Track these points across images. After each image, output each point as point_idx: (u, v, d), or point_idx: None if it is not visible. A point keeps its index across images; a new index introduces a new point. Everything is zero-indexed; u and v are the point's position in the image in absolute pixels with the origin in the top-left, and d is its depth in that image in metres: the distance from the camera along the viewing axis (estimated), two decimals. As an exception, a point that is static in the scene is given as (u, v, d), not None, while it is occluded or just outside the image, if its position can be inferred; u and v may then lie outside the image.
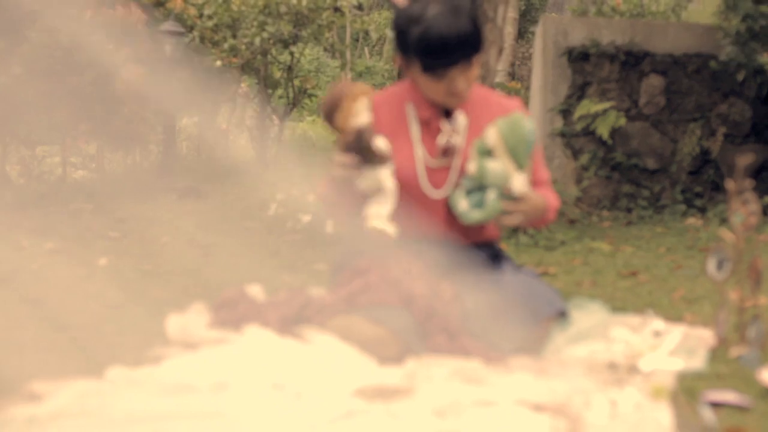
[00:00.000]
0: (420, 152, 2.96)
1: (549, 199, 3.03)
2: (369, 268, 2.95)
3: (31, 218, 6.65)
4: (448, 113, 3.00)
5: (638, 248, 5.02)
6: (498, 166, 2.78)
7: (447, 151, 2.96)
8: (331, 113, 2.83)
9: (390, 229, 2.83)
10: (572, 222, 5.94)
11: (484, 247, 3.10)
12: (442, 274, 2.97)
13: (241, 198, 8.35)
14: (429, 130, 2.98)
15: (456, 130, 2.98)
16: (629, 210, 6.41)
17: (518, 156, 2.78)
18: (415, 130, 2.98)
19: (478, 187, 2.84)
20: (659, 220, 6.10)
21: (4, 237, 5.64)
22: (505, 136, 2.77)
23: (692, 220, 5.98)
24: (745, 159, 2.81)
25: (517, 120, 2.79)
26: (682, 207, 6.24)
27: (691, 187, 6.42)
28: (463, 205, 2.85)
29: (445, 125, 2.97)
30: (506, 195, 2.80)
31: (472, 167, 2.83)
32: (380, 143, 2.82)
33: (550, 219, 3.08)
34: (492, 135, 2.80)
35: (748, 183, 2.77)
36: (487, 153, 2.82)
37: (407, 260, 2.94)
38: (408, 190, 2.93)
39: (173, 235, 5.88)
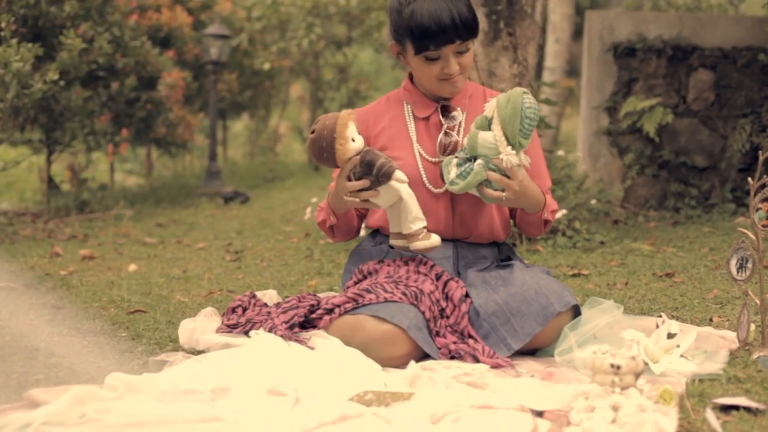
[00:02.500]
0: (420, 151, 2.99)
1: (548, 199, 3.04)
2: (377, 269, 2.97)
3: (71, 224, 6.76)
4: (445, 111, 3.02)
5: (680, 249, 4.94)
6: (488, 136, 2.77)
7: (447, 148, 2.98)
8: (329, 149, 2.82)
9: (434, 239, 2.86)
10: (615, 222, 5.86)
11: (490, 247, 3.09)
12: (450, 272, 2.98)
13: (285, 202, 8.40)
14: (428, 128, 3.01)
15: (453, 127, 3.00)
16: (677, 210, 6.30)
17: (510, 129, 2.74)
18: (413, 130, 3.01)
19: (471, 158, 2.83)
20: (707, 220, 5.99)
21: (41, 244, 5.74)
22: (500, 107, 2.76)
23: (742, 219, 5.87)
24: (766, 153, 2.76)
25: (514, 93, 2.77)
26: (732, 206, 6.11)
27: (741, 185, 6.29)
28: (451, 173, 2.84)
29: (443, 122, 3.00)
30: (495, 167, 2.78)
31: (466, 138, 2.84)
32: (384, 157, 2.84)
33: (548, 222, 3.08)
34: (489, 105, 2.80)
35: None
36: (483, 126, 2.82)
37: (415, 259, 2.96)
38: (414, 190, 2.94)
39: (210, 240, 5.94)
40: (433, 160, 2.99)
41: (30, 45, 5.66)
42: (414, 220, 2.85)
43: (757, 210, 2.73)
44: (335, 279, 4.31)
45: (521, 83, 5.07)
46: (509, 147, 2.75)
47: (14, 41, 5.58)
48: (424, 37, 2.84)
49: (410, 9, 2.85)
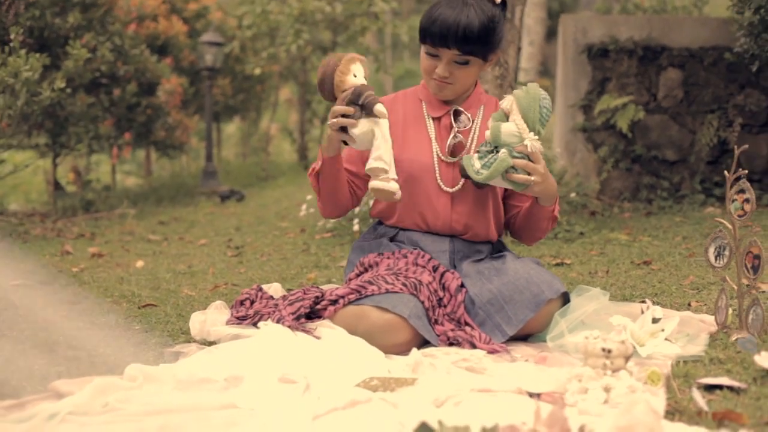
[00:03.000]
0: (437, 148, 2.99)
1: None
2: (377, 261, 2.98)
3: (79, 224, 6.74)
4: (456, 116, 3.03)
5: (655, 238, 4.97)
6: (510, 125, 2.81)
7: (455, 149, 2.99)
8: (330, 75, 2.81)
9: (392, 186, 2.77)
10: (593, 214, 5.89)
11: (484, 243, 3.11)
12: (446, 265, 2.99)
13: (279, 200, 8.39)
14: (439, 128, 3.03)
15: (464, 132, 3.02)
16: (650, 201, 6.33)
17: (530, 117, 2.79)
18: (432, 127, 3.03)
19: (494, 150, 2.86)
20: (678, 210, 6.02)
21: (51, 243, 5.72)
22: (519, 98, 2.81)
23: (711, 209, 5.90)
24: (741, 148, 2.78)
25: (531, 86, 2.84)
26: (701, 197, 6.16)
27: (709, 177, 6.32)
28: (476, 165, 2.85)
29: (455, 126, 3.01)
30: (519, 154, 2.81)
31: (487, 132, 2.86)
32: (376, 99, 2.80)
33: (555, 220, 3.10)
34: (506, 99, 2.84)
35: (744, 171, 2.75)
36: (502, 119, 2.85)
37: (414, 252, 2.97)
38: (420, 183, 2.96)
39: (210, 237, 5.93)
40: (444, 158, 3.00)
41: (38, 55, 5.64)
42: (377, 159, 2.77)
43: (733, 201, 2.75)
44: (332, 272, 4.31)
45: (503, 84, 5.08)
46: (531, 133, 2.77)
47: (23, 51, 5.55)
48: (425, 30, 2.88)
49: (437, 3, 2.89)
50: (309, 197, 6.66)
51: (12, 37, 5.58)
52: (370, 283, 2.78)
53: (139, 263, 4.69)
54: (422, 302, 2.74)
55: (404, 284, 2.75)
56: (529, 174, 2.81)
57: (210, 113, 9.96)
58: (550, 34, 12.22)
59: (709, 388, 2.23)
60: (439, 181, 2.99)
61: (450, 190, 2.99)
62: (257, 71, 11.46)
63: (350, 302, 2.76)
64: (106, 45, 7.34)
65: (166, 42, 9.52)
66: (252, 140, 15.27)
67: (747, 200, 2.70)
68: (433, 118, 3.06)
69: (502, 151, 2.80)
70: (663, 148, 6.47)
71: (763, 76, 6.29)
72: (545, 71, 13.62)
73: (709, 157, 6.39)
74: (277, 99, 13.27)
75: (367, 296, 2.74)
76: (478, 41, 2.86)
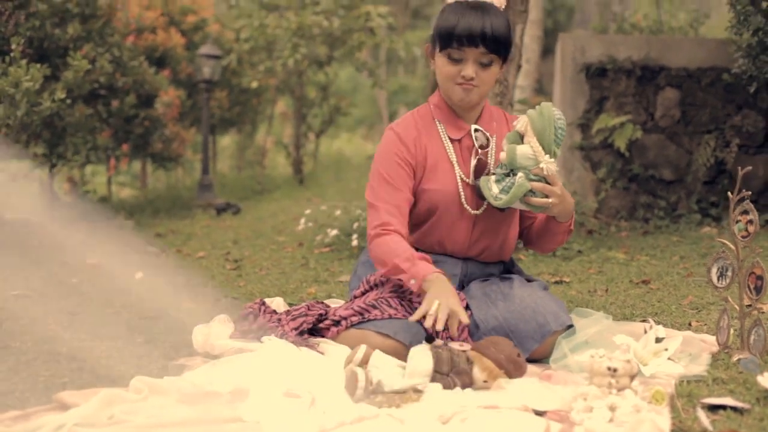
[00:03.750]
0: (460, 174, 2.96)
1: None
2: (383, 281, 2.96)
3: (75, 235, 6.73)
4: (476, 135, 3.00)
5: (653, 257, 4.99)
6: (526, 148, 2.79)
7: (478, 170, 2.98)
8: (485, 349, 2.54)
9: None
10: (590, 233, 5.91)
11: (496, 264, 3.11)
12: (455, 285, 2.98)
13: (275, 213, 8.39)
14: (461, 150, 2.99)
15: (487, 152, 2.99)
16: (646, 220, 6.37)
17: (546, 139, 2.78)
18: (452, 152, 2.98)
19: (510, 172, 2.84)
20: (675, 230, 6.05)
21: (48, 253, 5.71)
22: (533, 120, 2.79)
23: (707, 229, 5.94)
24: (745, 170, 2.80)
25: (545, 106, 2.81)
26: (698, 216, 6.20)
27: (706, 197, 6.36)
28: (493, 189, 2.83)
29: (477, 147, 2.98)
30: (536, 177, 2.80)
31: (502, 154, 2.84)
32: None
33: (570, 232, 3.09)
34: (521, 121, 2.82)
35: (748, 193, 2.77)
36: (516, 140, 2.84)
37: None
38: (444, 211, 2.94)
39: (208, 250, 5.93)
40: (469, 181, 2.97)
41: (39, 65, 5.65)
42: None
43: (737, 222, 2.77)
44: (332, 286, 4.31)
45: (502, 102, 5.10)
46: (547, 156, 2.78)
47: (23, 62, 5.56)
48: (450, 33, 2.82)
49: (450, 8, 2.87)
50: (307, 211, 6.67)
51: (12, 47, 5.59)
52: (374, 306, 2.78)
53: (139, 275, 4.69)
54: (424, 328, 2.74)
55: (407, 310, 2.75)
56: (546, 196, 2.81)
57: (207, 126, 9.96)
58: (545, 51, 12.25)
59: (713, 408, 2.24)
60: (464, 204, 2.94)
61: (475, 212, 2.96)
62: (254, 84, 11.48)
63: (352, 324, 2.76)
64: (105, 56, 7.35)
65: (164, 54, 9.54)
66: (247, 153, 15.27)
67: (751, 221, 2.73)
68: (455, 140, 3.00)
69: (519, 175, 2.79)
70: (660, 168, 6.50)
71: (760, 98, 6.34)
72: (540, 89, 13.65)
73: (706, 178, 6.43)
74: (273, 112, 13.29)
75: (369, 320, 2.74)
76: (501, 40, 2.83)
